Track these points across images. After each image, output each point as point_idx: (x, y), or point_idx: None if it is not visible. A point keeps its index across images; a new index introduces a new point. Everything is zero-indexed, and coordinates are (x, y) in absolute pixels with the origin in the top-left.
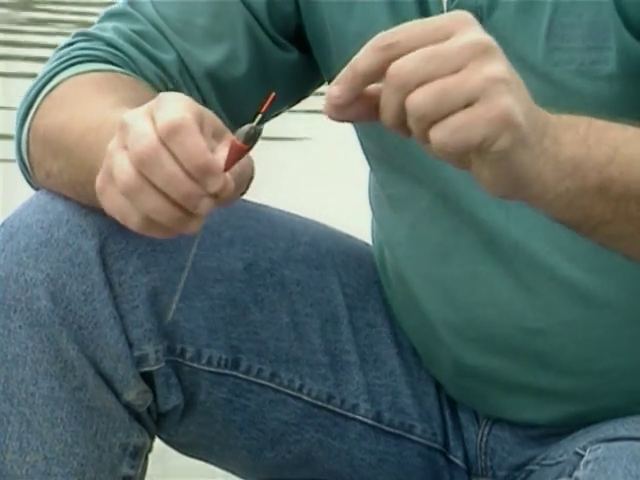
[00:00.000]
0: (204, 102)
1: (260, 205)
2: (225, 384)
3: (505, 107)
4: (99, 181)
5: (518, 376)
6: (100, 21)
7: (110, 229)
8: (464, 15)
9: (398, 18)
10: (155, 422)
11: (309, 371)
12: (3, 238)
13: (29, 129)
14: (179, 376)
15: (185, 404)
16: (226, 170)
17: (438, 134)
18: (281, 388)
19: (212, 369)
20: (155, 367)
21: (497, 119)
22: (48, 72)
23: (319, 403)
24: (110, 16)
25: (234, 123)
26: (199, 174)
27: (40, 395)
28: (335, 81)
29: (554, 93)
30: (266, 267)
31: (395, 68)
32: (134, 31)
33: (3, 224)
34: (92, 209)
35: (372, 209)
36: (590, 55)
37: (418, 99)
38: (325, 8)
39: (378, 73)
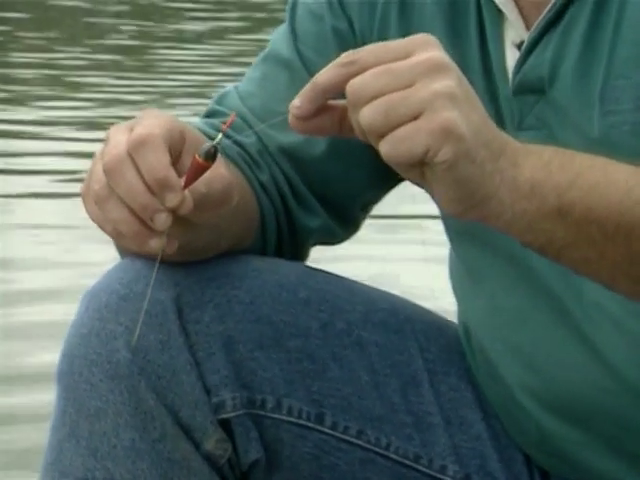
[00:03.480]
0: (286, 180)
1: (340, 276)
2: (310, 438)
3: (447, 119)
4: (82, 188)
5: (604, 439)
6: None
7: (186, 281)
8: (426, 37)
9: None
10: None
11: (393, 430)
12: (88, 299)
13: None
14: (260, 430)
15: (270, 460)
16: (186, 187)
17: (384, 146)
18: (369, 446)
19: (293, 419)
20: (232, 414)
21: (439, 130)
22: None
23: (407, 462)
24: (203, 117)
25: (320, 201)
26: (158, 188)
27: (122, 447)
28: (298, 94)
29: (611, 155)
30: (342, 328)
31: (350, 85)
32: (222, 122)
33: (90, 287)
34: (170, 264)
35: (453, 287)
36: None
37: (366, 113)
38: None
39: (337, 88)
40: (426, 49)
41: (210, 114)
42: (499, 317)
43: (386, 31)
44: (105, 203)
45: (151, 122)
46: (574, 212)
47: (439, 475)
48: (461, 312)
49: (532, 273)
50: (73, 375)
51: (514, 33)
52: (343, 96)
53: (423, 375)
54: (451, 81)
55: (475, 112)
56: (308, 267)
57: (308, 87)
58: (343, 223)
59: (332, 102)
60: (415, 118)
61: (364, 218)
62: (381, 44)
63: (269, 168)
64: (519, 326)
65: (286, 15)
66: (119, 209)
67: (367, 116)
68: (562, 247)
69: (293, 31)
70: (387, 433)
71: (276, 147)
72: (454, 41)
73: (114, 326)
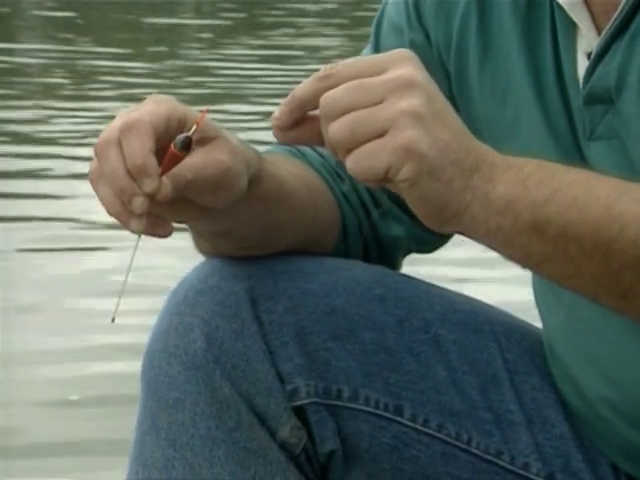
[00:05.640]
0: (367, 189)
1: (419, 279)
2: (389, 429)
3: (409, 138)
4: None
5: None
6: None
7: (260, 273)
8: (403, 52)
9: (544, 103)
10: (321, 477)
11: (474, 425)
12: (169, 297)
13: None
14: (337, 422)
15: (348, 452)
16: (162, 174)
17: (349, 161)
18: (450, 440)
19: (370, 409)
20: (307, 401)
21: (400, 149)
22: None
23: (489, 457)
24: None
25: (403, 209)
26: (136, 173)
27: (199, 436)
28: (279, 105)
29: None
30: (419, 325)
31: (323, 98)
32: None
33: (173, 288)
34: (244, 259)
35: (535, 298)
36: None
37: (335, 128)
38: (479, 103)
39: (313, 100)
40: (399, 66)
41: None
42: (577, 328)
43: (466, 42)
44: (95, 183)
45: (148, 108)
46: (550, 228)
47: (522, 472)
48: (544, 324)
49: None
50: (153, 369)
51: (586, 42)
52: None
53: (503, 374)
54: (418, 100)
55: (444, 130)
56: (385, 269)
57: (287, 99)
58: (432, 230)
59: (312, 113)
60: (380, 136)
61: None
62: (358, 58)
63: (349, 178)
64: (595, 338)
65: (372, 30)
66: (105, 189)
67: (335, 131)
68: (540, 262)
69: (377, 47)
70: (467, 428)
71: None
72: (529, 52)
73: (191, 319)
